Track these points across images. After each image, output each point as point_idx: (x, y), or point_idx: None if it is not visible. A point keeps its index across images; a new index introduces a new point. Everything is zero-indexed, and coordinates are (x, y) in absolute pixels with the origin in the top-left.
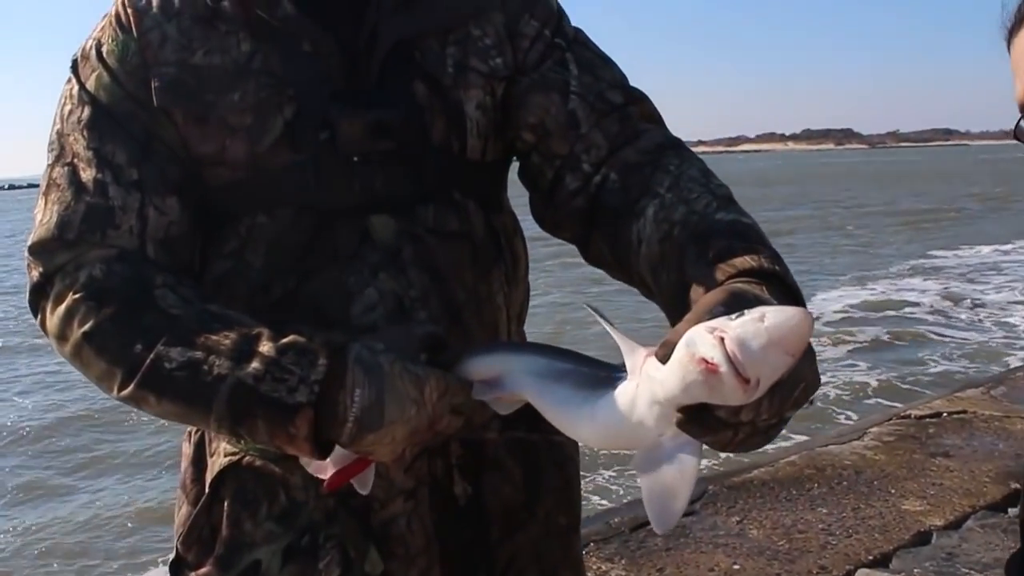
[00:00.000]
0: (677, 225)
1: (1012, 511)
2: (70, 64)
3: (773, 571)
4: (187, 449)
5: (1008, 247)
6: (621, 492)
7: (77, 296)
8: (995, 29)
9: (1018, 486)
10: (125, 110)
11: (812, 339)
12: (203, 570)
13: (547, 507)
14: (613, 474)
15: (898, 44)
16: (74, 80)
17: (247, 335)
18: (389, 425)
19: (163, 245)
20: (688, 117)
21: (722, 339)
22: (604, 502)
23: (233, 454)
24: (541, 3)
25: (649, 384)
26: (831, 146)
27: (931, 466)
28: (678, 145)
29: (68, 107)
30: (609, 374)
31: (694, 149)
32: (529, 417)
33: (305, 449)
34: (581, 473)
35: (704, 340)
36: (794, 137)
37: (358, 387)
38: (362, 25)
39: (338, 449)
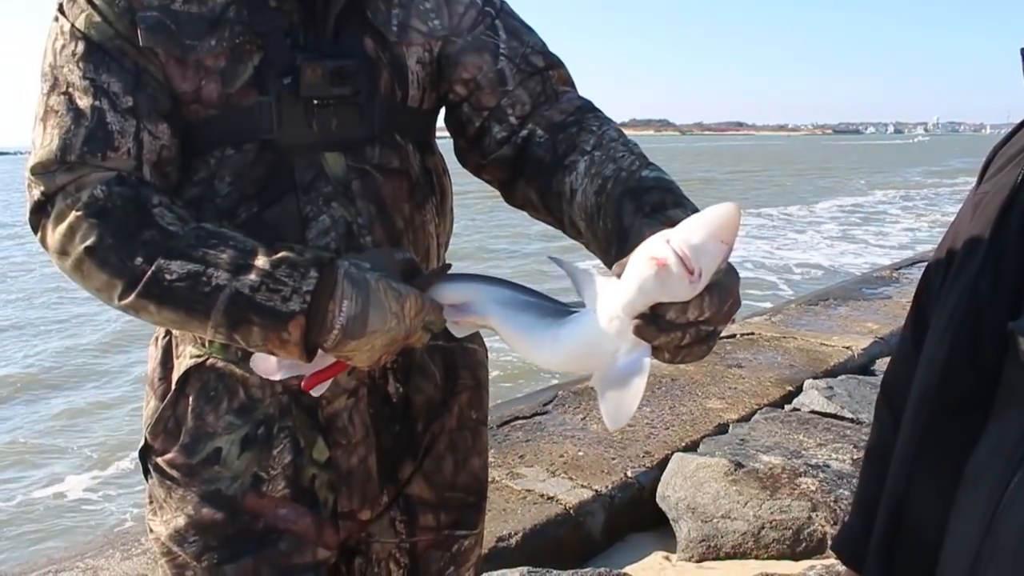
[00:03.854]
0: (610, 180)
1: (788, 407)
2: (56, 5)
3: (609, 456)
4: (154, 351)
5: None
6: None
7: (79, 214)
8: (792, 37)
9: (792, 388)
10: (115, 46)
11: None
12: (169, 456)
13: (461, 403)
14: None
15: (701, 45)
16: (63, 19)
17: (243, 250)
18: (371, 334)
19: (156, 167)
20: None
21: (668, 240)
22: None
23: (198, 356)
24: None
25: (608, 300)
26: (652, 132)
27: (728, 375)
28: (593, 107)
29: (60, 42)
30: (569, 307)
31: None
32: (445, 328)
33: (295, 352)
34: None
35: (654, 242)
36: (624, 124)
37: (346, 299)
38: None
39: (320, 353)
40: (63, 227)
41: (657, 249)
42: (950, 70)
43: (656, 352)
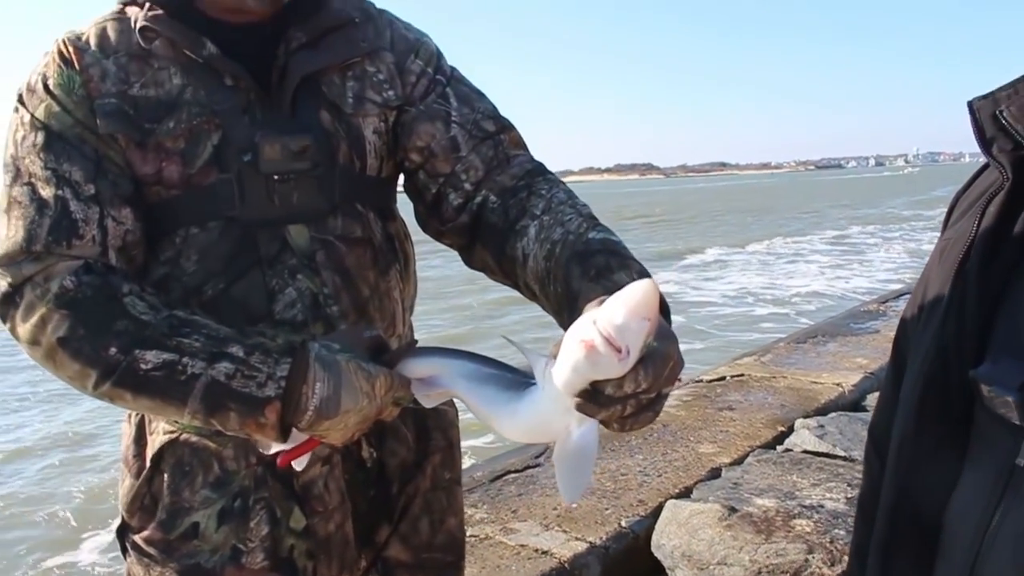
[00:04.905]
0: (558, 244)
1: (780, 448)
2: (16, 96)
3: (603, 507)
4: (128, 429)
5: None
6: (481, 452)
7: (50, 305)
8: (761, 81)
9: (783, 428)
10: (75, 134)
11: None
12: (146, 533)
13: (434, 464)
14: (474, 439)
15: (683, 88)
16: (23, 110)
17: (216, 337)
18: (344, 414)
19: (121, 252)
20: None
21: (594, 321)
22: (468, 460)
23: (171, 432)
24: (423, 45)
25: (551, 382)
26: (636, 176)
27: (719, 418)
28: (543, 170)
29: (20, 133)
30: (526, 380)
31: None
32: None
33: (271, 434)
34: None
35: (581, 325)
36: (608, 170)
37: (318, 381)
38: (274, 61)
39: (293, 431)
40: (34, 318)
41: (584, 332)
42: (928, 101)
43: (604, 424)
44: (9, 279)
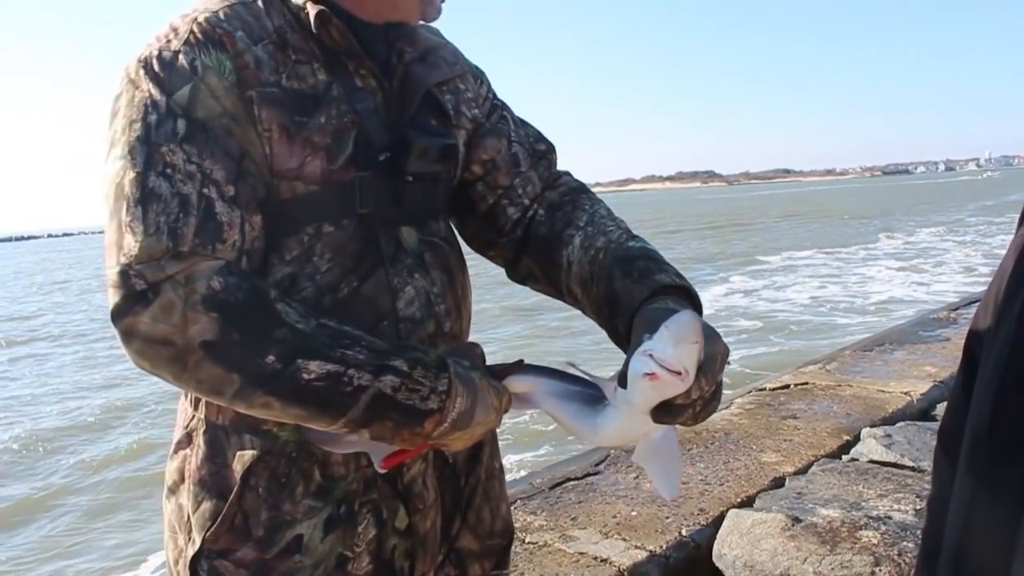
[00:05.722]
0: (601, 251)
1: (845, 457)
2: (140, 67)
3: (663, 515)
4: (193, 451)
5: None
6: (536, 463)
7: (196, 307)
8: (825, 86)
9: (849, 438)
10: (222, 126)
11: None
12: (237, 554)
13: (486, 454)
14: (533, 451)
15: (745, 93)
16: (153, 88)
17: (376, 350)
18: (474, 426)
19: (249, 257)
20: (585, 163)
21: (651, 355)
22: (523, 471)
23: (262, 444)
24: (484, 74)
25: (623, 405)
26: (698, 184)
27: (783, 426)
28: (586, 188)
29: (154, 116)
30: (600, 394)
31: (593, 188)
32: None
33: (418, 443)
34: (513, 452)
35: (641, 360)
36: (670, 178)
37: (459, 396)
38: (389, 68)
39: None
40: (174, 318)
41: (645, 365)
42: (1000, 103)
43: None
44: (148, 276)
